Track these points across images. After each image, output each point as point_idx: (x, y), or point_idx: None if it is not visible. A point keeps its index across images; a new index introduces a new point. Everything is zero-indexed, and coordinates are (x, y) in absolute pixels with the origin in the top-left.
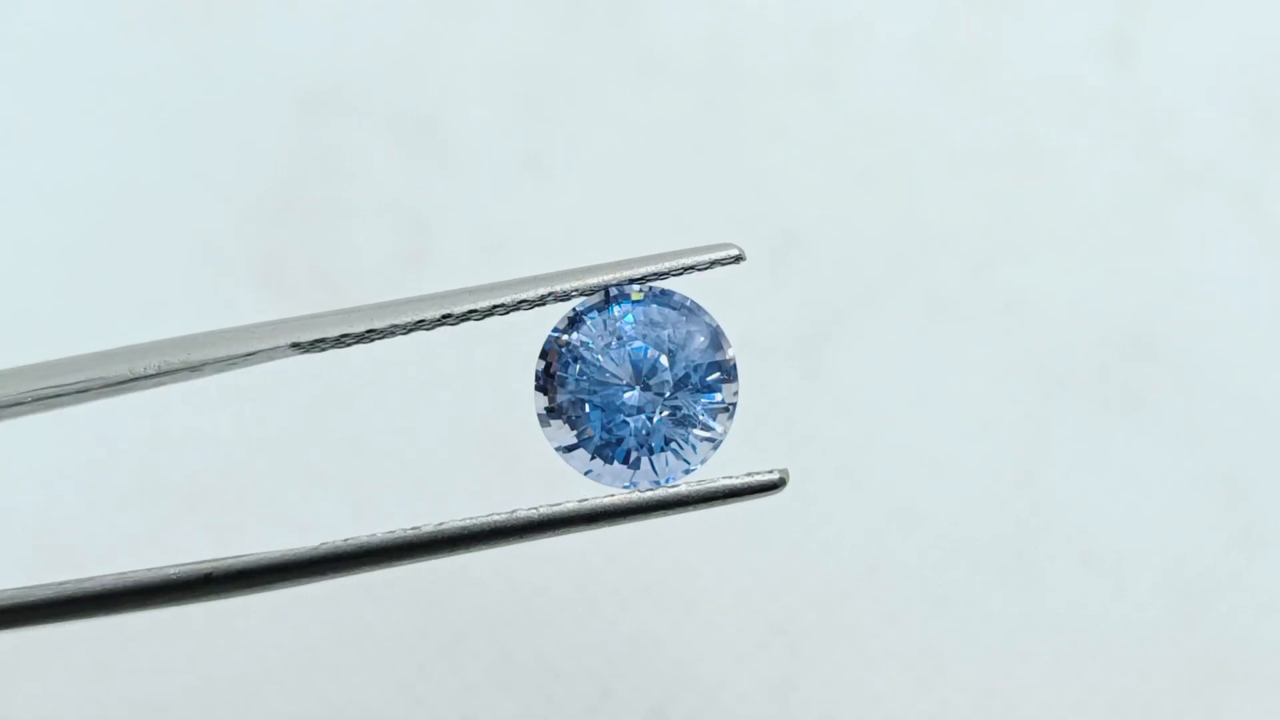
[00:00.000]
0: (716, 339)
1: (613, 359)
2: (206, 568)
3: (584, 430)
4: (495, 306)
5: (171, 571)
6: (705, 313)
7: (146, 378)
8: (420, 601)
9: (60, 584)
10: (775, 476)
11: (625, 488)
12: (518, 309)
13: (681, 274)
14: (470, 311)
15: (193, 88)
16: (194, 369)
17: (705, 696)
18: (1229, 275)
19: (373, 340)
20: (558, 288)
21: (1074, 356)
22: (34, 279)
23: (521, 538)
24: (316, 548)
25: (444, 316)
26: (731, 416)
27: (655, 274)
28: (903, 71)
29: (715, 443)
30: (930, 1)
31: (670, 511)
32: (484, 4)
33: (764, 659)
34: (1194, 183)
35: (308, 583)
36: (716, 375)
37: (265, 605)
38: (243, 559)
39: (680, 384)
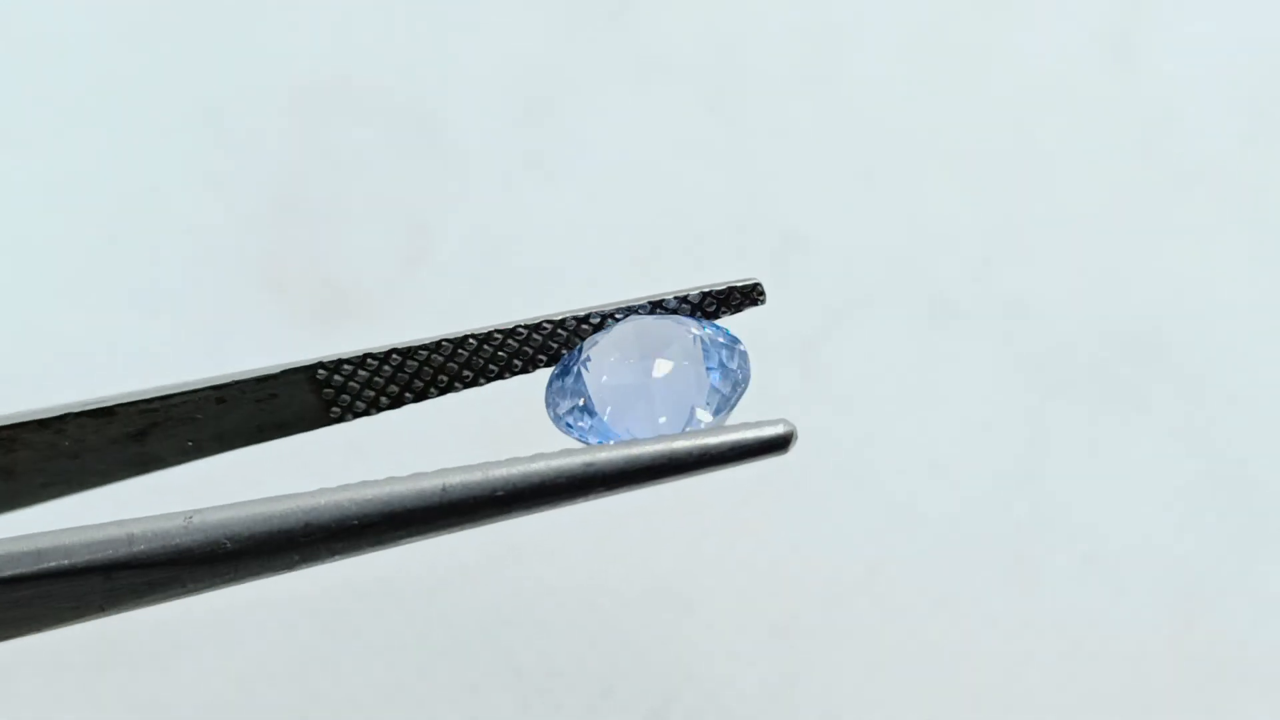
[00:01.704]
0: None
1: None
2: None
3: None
4: (517, 327)
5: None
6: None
7: (172, 398)
8: (419, 601)
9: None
10: (781, 430)
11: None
12: (539, 329)
13: (701, 301)
14: (492, 333)
15: (193, 87)
16: (219, 397)
17: (706, 696)
18: (1229, 275)
19: (398, 371)
20: (579, 312)
21: (1074, 356)
22: (34, 279)
23: (493, 512)
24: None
25: (466, 337)
26: (741, 385)
27: (676, 297)
28: (903, 71)
29: (726, 400)
30: (930, 1)
31: (669, 475)
32: (485, 4)
33: (764, 659)
34: (1194, 183)
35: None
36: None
37: (263, 605)
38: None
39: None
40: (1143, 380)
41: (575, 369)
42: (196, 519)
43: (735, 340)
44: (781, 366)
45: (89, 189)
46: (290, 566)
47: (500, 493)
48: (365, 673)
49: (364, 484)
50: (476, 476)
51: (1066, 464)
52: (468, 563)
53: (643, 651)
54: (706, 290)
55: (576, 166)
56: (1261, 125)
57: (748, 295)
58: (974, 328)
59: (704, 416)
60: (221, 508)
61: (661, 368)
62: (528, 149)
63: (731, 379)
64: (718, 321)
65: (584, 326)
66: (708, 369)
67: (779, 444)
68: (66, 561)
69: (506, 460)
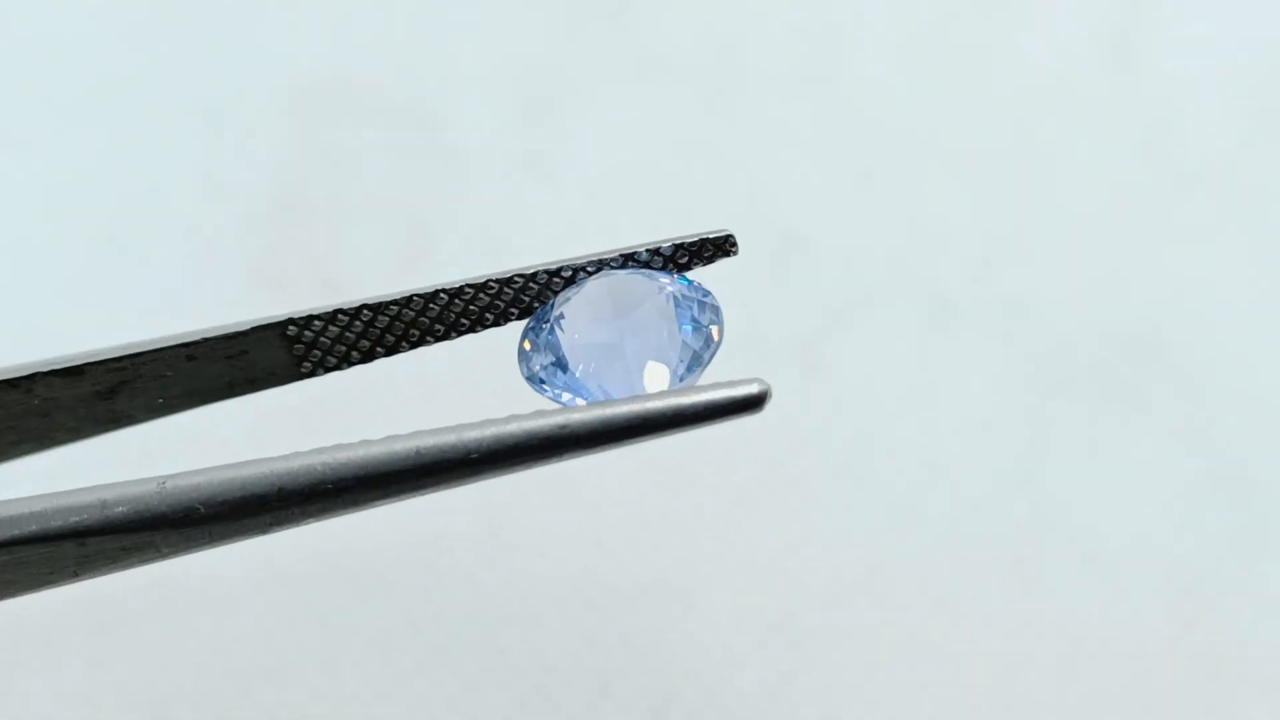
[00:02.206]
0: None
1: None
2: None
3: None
4: (488, 281)
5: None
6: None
7: (141, 356)
8: (416, 598)
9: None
10: (755, 389)
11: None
12: (510, 284)
13: (674, 253)
14: (463, 288)
15: (192, 87)
16: (190, 354)
17: (705, 695)
18: (1229, 275)
19: (369, 326)
20: (546, 267)
21: (1074, 356)
22: (34, 279)
23: (480, 469)
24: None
25: (437, 292)
26: (715, 342)
27: (648, 250)
28: (903, 71)
29: (699, 357)
30: (930, 1)
31: (642, 435)
32: (485, 4)
33: (764, 658)
34: (1194, 183)
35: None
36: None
37: (261, 601)
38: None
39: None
40: (1143, 380)
41: (548, 326)
42: (170, 484)
43: (707, 293)
44: (781, 366)
45: (89, 189)
46: (264, 529)
47: (474, 454)
48: (362, 669)
49: (337, 447)
50: (450, 439)
51: (1066, 464)
52: (464, 559)
53: (642, 649)
54: (678, 242)
55: (576, 166)
56: (1261, 125)
57: (720, 246)
58: (974, 328)
59: (668, 375)
60: (194, 472)
61: (634, 323)
62: (528, 149)
63: (704, 334)
64: (690, 274)
65: (555, 280)
66: (680, 325)
67: (753, 403)
68: (39, 527)
69: (480, 422)
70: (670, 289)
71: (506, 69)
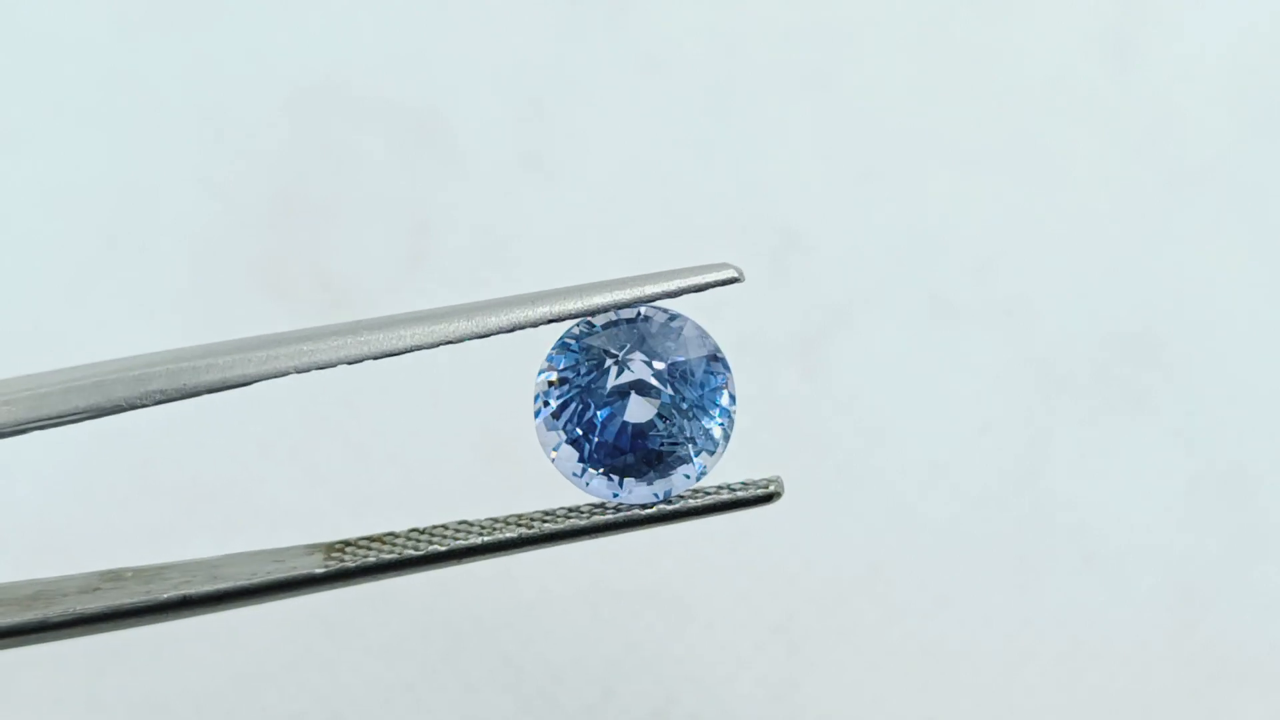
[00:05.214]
0: (715, 355)
1: (610, 385)
2: (180, 594)
3: (584, 454)
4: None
5: (150, 598)
6: (704, 333)
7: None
8: (421, 603)
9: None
10: (770, 489)
11: (613, 496)
12: (514, 332)
13: (679, 295)
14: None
15: (192, 87)
16: (190, 396)
17: (706, 697)
18: (1229, 275)
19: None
20: (556, 309)
21: (1074, 356)
22: (34, 279)
23: (519, 550)
24: (309, 573)
25: (442, 344)
26: (730, 431)
27: (655, 295)
28: (903, 71)
29: (714, 455)
30: (930, 1)
31: (665, 524)
32: (485, 3)
33: (764, 659)
34: (1194, 183)
35: (296, 596)
36: (716, 397)
37: (263, 605)
38: (219, 586)
39: (680, 406)
40: (1143, 380)
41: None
42: (194, 596)
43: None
44: (781, 367)
45: (89, 189)
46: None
47: (539, 535)
48: (366, 674)
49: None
50: (477, 541)
51: (1066, 464)
52: (468, 564)
53: (643, 653)
54: (690, 285)
55: (576, 166)
56: (1261, 125)
57: (724, 284)
58: (974, 328)
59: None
60: (216, 586)
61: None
62: (528, 149)
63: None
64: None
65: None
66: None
67: (765, 499)
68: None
69: (515, 524)
70: (691, 378)
71: (506, 69)
